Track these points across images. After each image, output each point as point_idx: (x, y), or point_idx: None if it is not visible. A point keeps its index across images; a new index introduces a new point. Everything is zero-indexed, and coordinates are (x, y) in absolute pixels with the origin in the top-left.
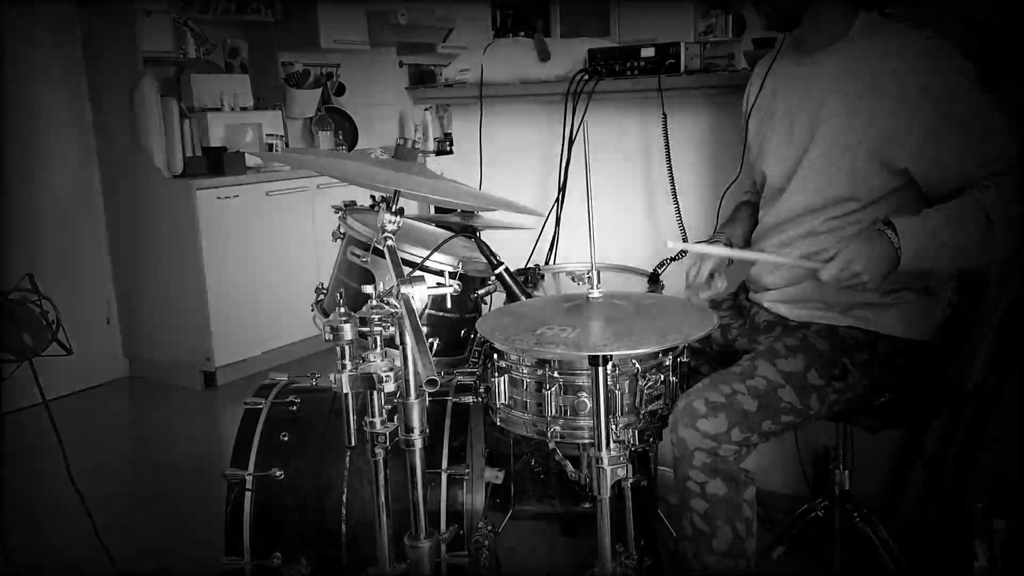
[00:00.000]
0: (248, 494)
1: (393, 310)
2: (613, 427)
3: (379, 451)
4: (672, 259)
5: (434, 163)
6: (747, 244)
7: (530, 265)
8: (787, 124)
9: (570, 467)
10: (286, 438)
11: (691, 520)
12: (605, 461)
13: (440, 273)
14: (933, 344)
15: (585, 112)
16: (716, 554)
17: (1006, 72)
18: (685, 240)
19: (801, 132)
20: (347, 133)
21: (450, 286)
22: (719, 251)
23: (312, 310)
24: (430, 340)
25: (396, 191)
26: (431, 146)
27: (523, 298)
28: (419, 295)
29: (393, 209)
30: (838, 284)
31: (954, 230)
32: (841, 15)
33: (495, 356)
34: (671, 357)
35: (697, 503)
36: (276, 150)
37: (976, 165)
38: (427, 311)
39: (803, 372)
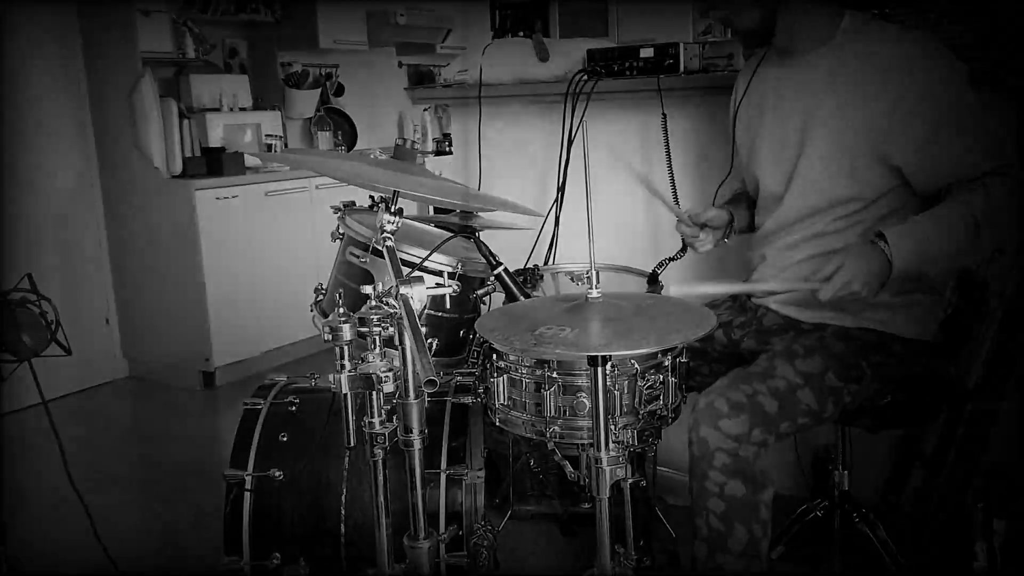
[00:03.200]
0: (247, 494)
1: (392, 310)
2: (612, 427)
3: (378, 451)
4: (671, 259)
5: (433, 163)
6: (750, 228)
7: (529, 265)
8: (779, 128)
9: (569, 467)
10: (285, 438)
11: (707, 520)
12: (604, 461)
13: (439, 273)
14: (937, 342)
15: (584, 112)
16: (731, 554)
17: (1001, 73)
18: (684, 245)
19: (795, 135)
20: (346, 133)
21: (449, 286)
22: (715, 289)
23: (311, 310)
24: (429, 340)
25: (395, 191)
26: (430, 146)
27: (522, 298)
28: (418, 295)
29: (392, 209)
30: (835, 301)
31: (943, 236)
32: (826, 18)
33: (494, 356)
34: (670, 357)
35: (715, 503)
36: (275, 150)
37: (968, 164)
38: (426, 311)
39: (821, 373)
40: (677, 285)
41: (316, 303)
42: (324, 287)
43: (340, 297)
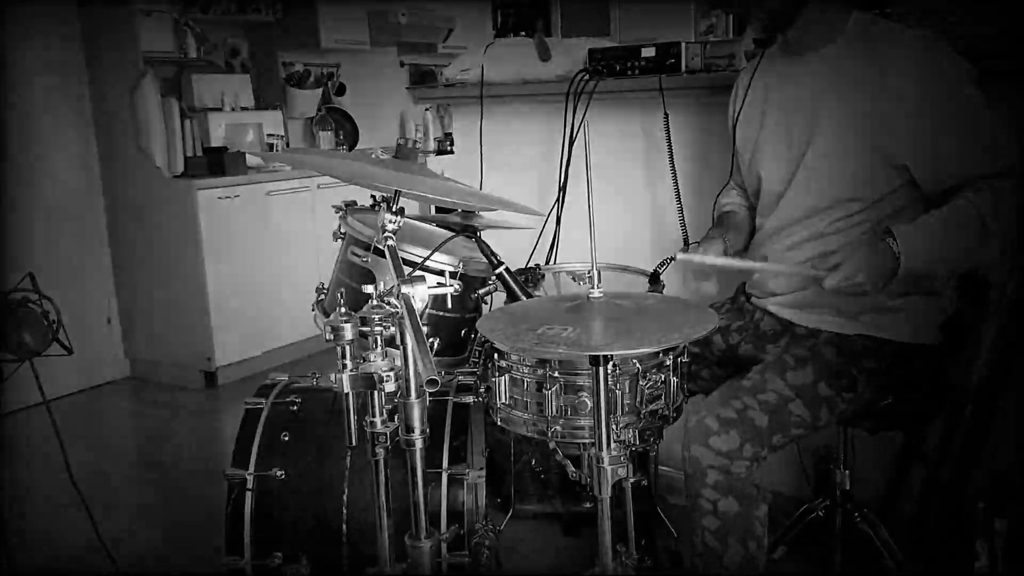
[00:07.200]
0: (249, 494)
1: (394, 310)
2: (614, 427)
3: (380, 451)
4: (672, 259)
5: (434, 163)
6: (745, 250)
7: (531, 265)
8: (783, 126)
9: (571, 467)
10: (287, 438)
11: (702, 538)
12: (606, 461)
13: (441, 273)
14: (935, 345)
15: (586, 112)
16: (728, 571)
17: (1006, 73)
18: (686, 239)
19: (799, 133)
20: (348, 133)
21: (451, 286)
22: (723, 262)
23: (313, 310)
24: (430, 340)
25: (396, 191)
26: (431, 146)
27: (524, 298)
28: (420, 295)
29: (393, 209)
30: (840, 292)
31: (951, 236)
32: (834, 15)
33: (496, 356)
34: (672, 357)
35: (709, 521)
36: (277, 150)
37: (974, 165)
38: (428, 311)
39: (813, 384)
40: (686, 253)
41: (318, 302)
42: (326, 286)
43: (342, 296)
